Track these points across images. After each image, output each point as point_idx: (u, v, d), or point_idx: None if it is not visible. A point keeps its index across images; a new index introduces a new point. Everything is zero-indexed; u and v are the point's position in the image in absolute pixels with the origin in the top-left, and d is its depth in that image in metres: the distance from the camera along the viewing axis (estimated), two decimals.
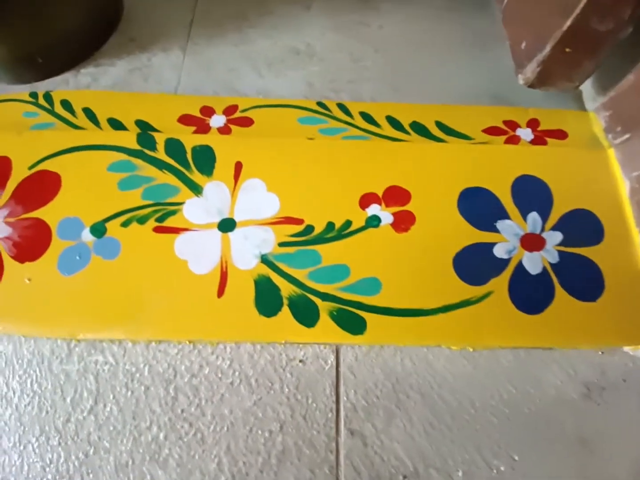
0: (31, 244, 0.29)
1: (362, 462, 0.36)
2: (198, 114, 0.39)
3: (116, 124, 0.37)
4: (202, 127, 0.38)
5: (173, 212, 0.31)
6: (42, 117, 0.38)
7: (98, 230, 0.30)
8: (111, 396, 0.38)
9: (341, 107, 0.40)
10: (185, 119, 0.38)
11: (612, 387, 0.37)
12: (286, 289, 0.29)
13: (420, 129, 0.39)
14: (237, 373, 0.39)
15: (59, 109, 0.38)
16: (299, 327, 0.28)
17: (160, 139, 0.34)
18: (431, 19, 0.57)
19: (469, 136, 0.39)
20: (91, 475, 0.36)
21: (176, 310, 0.29)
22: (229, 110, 0.39)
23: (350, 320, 0.29)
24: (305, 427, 0.38)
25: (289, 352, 0.40)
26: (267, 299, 0.29)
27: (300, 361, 0.40)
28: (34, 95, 0.41)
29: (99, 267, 0.29)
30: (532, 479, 0.34)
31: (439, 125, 0.39)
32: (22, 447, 0.36)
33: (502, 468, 0.35)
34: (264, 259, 0.30)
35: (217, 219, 0.31)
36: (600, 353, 0.38)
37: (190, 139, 0.34)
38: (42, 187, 0.31)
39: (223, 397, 0.38)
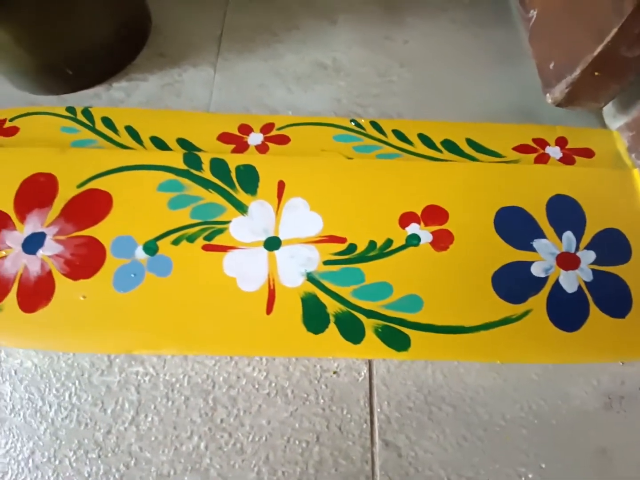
0: (85, 261, 0.31)
1: (397, 473, 0.37)
2: (236, 132, 0.40)
3: (159, 143, 0.39)
4: (241, 145, 0.39)
5: (220, 231, 0.32)
6: (82, 134, 0.39)
7: (151, 248, 0.31)
8: (152, 406, 0.39)
9: (374, 124, 0.41)
10: (224, 137, 0.40)
11: (630, 396, 0.39)
12: (332, 307, 0.30)
13: (451, 147, 0.40)
14: (273, 384, 0.40)
15: (100, 126, 0.40)
16: (346, 344, 0.29)
17: (205, 159, 0.35)
18: (454, 33, 0.59)
19: (500, 154, 0.40)
20: None
21: (228, 326, 0.30)
22: (266, 128, 0.41)
23: (395, 337, 0.30)
24: (340, 438, 0.39)
25: (323, 364, 0.41)
26: (314, 316, 0.30)
27: (334, 373, 0.42)
28: (71, 110, 0.42)
29: (153, 284, 0.30)
30: None
31: (470, 142, 0.40)
32: (57, 462, 0.37)
33: (530, 475, 0.36)
34: (310, 277, 0.31)
35: (263, 238, 0.32)
36: (620, 364, 0.40)
37: (234, 159, 0.35)
38: (93, 205, 0.32)
39: (260, 408, 0.39)
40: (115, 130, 0.39)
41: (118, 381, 0.40)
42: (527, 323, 0.30)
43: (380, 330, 0.30)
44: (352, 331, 0.29)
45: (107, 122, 0.40)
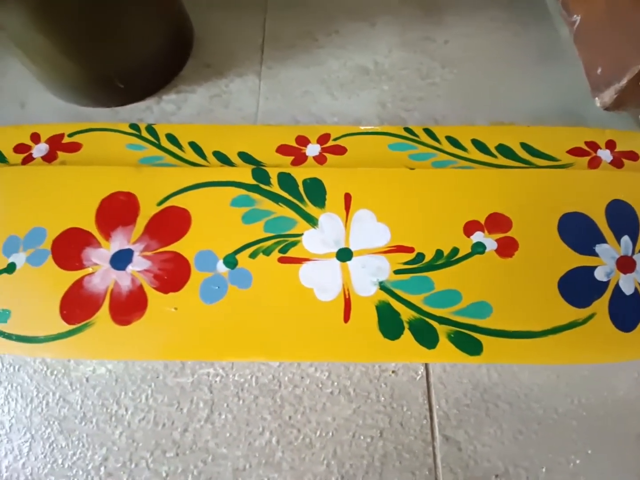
0: (172, 275, 0.33)
1: (458, 465, 0.39)
2: (294, 144, 0.41)
3: (221, 157, 0.40)
4: (300, 157, 0.41)
5: (294, 244, 0.34)
6: (149, 151, 0.41)
7: (230, 262, 0.33)
8: (225, 405, 0.42)
9: (428, 132, 0.42)
10: (283, 149, 0.41)
11: None
12: (405, 314, 0.32)
13: (506, 151, 0.41)
14: (335, 384, 0.43)
15: (165, 142, 0.41)
16: (421, 349, 0.31)
17: (273, 173, 0.37)
18: (494, 32, 0.58)
19: (555, 157, 0.40)
20: None
21: (309, 334, 0.32)
22: (323, 139, 0.42)
23: (468, 342, 0.31)
24: (402, 433, 0.41)
25: (382, 364, 0.44)
26: (389, 323, 0.32)
27: (393, 372, 0.44)
28: (135, 127, 0.43)
29: (236, 296, 0.32)
30: (602, 467, 0.38)
31: (525, 146, 0.41)
32: (133, 466, 0.39)
33: (577, 461, 0.39)
34: (382, 286, 0.33)
35: (335, 249, 0.34)
36: None
37: (300, 172, 0.37)
38: (173, 222, 0.34)
39: (325, 405, 0.42)
40: (179, 146, 0.41)
41: (191, 382, 0.42)
42: (592, 326, 0.32)
43: (452, 335, 0.32)
44: (426, 337, 0.31)
45: (172, 138, 0.41)
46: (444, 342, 0.31)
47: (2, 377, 0.42)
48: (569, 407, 0.40)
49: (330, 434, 0.40)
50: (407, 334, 0.31)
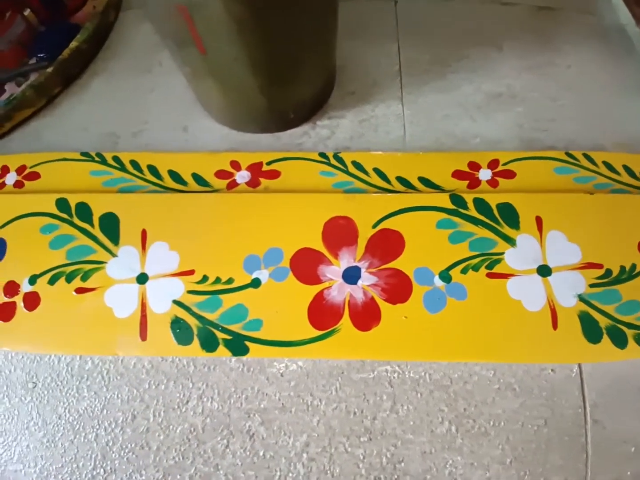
0: (397, 289, 0.38)
1: (602, 440, 0.45)
2: (467, 169, 0.47)
3: (403, 181, 0.46)
4: (474, 181, 0.46)
5: (498, 261, 0.39)
6: (339, 177, 0.46)
7: (445, 277, 0.39)
8: (405, 397, 0.48)
9: (586, 156, 0.47)
10: (457, 174, 0.46)
11: None
12: (603, 321, 0.38)
13: None
14: (501, 380, 0.48)
15: (352, 169, 0.47)
16: (615, 350, 0.38)
17: (468, 199, 0.42)
18: (604, 60, 0.62)
19: None
20: (402, 464, 0.46)
21: (522, 339, 0.38)
22: (492, 164, 0.47)
23: None
24: (562, 421, 0.47)
25: (540, 363, 0.49)
26: (591, 330, 0.37)
27: (552, 370, 0.50)
28: (323, 155, 0.49)
29: (455, 307, 0.38)
30: None
31: None
32: (332, 450, 0.44)
33: None
34: (581, 298, 0.38)
35: (534, 266, 0.39)
36: None
37: (492, 197, 0.42)
38: (389, 242, 0.40)
39: (494, 399, 0.48)
40: (365, 172, 0.47)
41: (372, 377, 0.49)
42: None
43: (636, 337, 0.38)
44: (619, 340, 0.37)
45: (357, 165, 0.47)
46: (631, 343, 0.37)
47: (196, 378, 0.46)
48: None
49: (502, 423, 0.46)
50: (605, 339, 0.37)
